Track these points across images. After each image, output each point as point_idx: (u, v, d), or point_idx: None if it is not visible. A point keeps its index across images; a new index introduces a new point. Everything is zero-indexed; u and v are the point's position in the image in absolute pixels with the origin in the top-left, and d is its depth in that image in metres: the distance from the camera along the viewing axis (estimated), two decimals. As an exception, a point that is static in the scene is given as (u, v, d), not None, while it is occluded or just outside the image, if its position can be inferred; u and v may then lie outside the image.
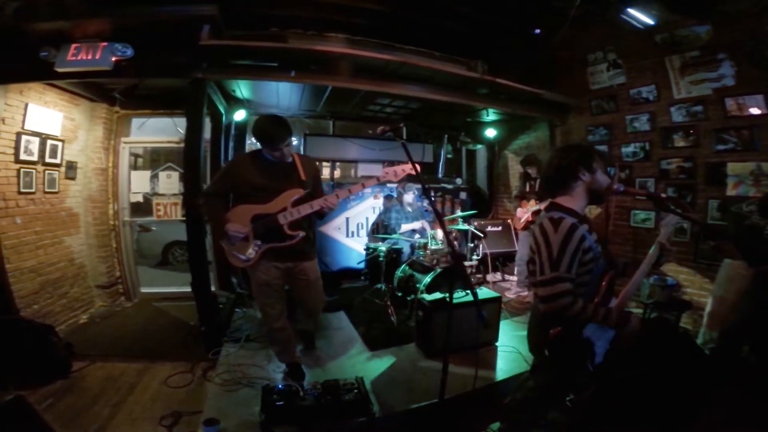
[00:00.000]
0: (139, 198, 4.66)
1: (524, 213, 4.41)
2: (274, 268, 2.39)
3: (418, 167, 2.55)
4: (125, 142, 4.43)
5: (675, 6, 3.35)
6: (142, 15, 2.77)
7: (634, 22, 3.33)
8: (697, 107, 3.64)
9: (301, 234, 2.35)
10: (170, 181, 4.55)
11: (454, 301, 3.30)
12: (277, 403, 2.14)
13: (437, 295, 3.36)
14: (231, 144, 4.58)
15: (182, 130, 4.37)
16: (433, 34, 4.16)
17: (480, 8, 3.86)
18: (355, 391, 2.29)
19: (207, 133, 4.07)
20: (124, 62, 2.89)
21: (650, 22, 3.28)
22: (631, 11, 3.26)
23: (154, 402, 2.50)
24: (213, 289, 4.14)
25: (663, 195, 1.87)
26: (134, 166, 5.16)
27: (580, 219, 1.57)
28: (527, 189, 4.58)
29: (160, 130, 4.58)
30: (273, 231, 2.30)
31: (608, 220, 3.94)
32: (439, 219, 1.86)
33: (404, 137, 1.94)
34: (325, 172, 5.73)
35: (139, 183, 4.58)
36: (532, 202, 4.34)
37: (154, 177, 4.68)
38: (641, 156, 4.11)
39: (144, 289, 4.66)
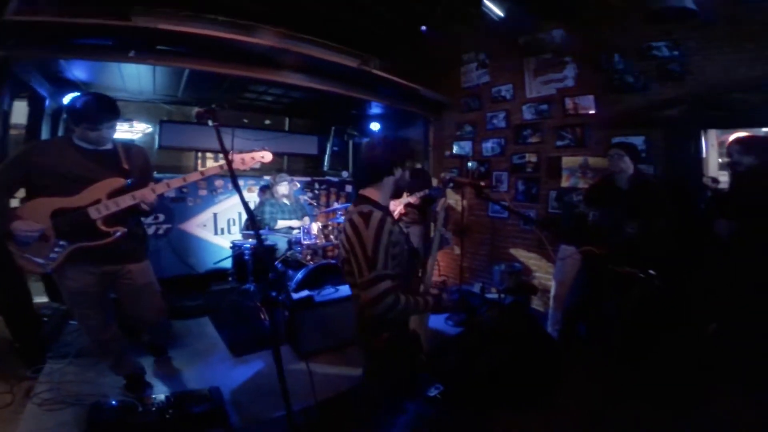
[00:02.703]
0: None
1: (397, 205, 4.47)
2: (88, 274, 2.03)
3: (256, 157, 2.25)
4: None
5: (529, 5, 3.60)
6: None
7: (490, 14, 3.55)
8: (543, 106, 4.01)
9: (121, 231, 2.00)
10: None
11: (322, 298, 3.22)
12: (108, 423, 1.89)
13: (304, 293, 3.24)
14: (60, 131, 3.84)
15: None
16: (331, 26, 4.03)
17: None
18: (208, 402, 2.12)
19: (21, 119, 3.39)
20: None
21: (500, 14, 3.54)
22: (487, 2, 3.46)
23: (-36, 427, 2.04)
24: (46, 299, 3.55)
25: (482, 184, 1.93)
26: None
27: (385, 212, 1.52)
28: None
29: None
30: (82, 228, 1.93)
31: (463, 212, 4.15)
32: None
33: (217, 121, 1.71)
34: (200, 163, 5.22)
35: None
36: (404, 194, 4.41)
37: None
38: (498, 151, 4.42)
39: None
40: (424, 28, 4.33)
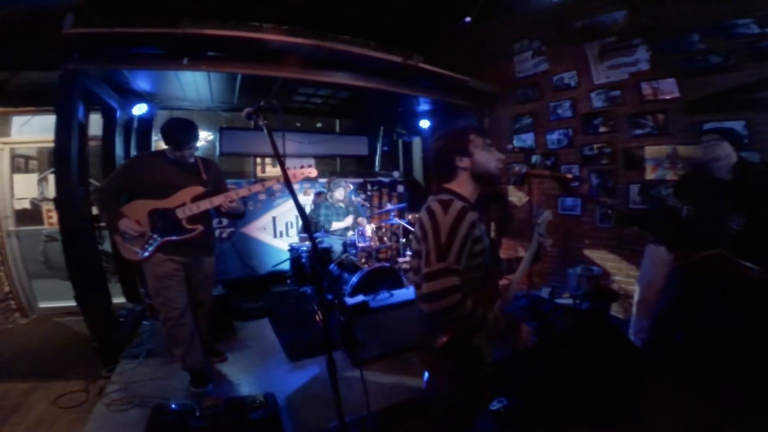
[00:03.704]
0: (26, 204, 4.07)
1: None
2: (172, 262, 2.41)
3: (305, 173, 2.62)
4: (3, 143, 3.85)
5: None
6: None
7: None
8: (615, 92, 3.64)
9: (200, 228, 2.43)
10: (61, 185, 4.00)
11: (377, 303, 3.13)
12: (167, 425, 1.92)
13: (359, 298, 3.16)
14: (133, 141, 4.08)
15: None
16: (372, 26, 3.97)
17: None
18: (263, 408, 2.10)
19: (97, 130, 3.66)
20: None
21: None
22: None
23: (39, 424, 2.22)
24: (123, 300, 3.82)
25: (569, 176, 1.71)
26: (25, 169, 4.52)
27: (471, 205, 1.36)
28: None
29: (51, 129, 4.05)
30: (171, 225, 2.37)
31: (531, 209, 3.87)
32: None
33: (267, 120, 1.64)
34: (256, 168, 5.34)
35: (24, 188, 4.00)
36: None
37: (43, 180, 4.09)
38: (565, 143, 4.08)
39: (45, 304, 4.10)
40: (468, 19, 4.12)
